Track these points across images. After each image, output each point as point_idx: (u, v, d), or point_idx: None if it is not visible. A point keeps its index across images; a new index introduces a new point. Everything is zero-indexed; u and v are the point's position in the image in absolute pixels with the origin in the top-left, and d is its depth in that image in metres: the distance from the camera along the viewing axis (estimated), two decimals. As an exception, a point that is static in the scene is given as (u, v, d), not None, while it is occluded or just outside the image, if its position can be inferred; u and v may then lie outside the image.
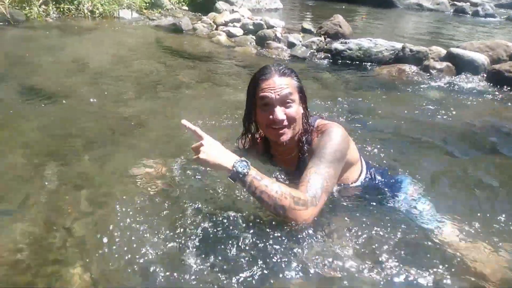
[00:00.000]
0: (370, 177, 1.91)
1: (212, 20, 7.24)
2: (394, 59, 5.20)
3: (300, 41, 5.91)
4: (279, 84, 1.62)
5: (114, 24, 7.22)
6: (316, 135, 1.70)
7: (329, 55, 5.52)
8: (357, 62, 5.34)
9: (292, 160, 1.81)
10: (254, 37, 6.33)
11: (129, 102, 3.33)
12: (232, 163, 1.42)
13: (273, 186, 1.43)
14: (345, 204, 1.75)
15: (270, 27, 6.52)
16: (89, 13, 7.40)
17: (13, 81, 3.64)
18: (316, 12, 10.48)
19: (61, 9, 7.12)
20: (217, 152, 1.45)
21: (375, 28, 8.54)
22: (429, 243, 1.56)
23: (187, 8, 9.31)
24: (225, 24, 6.88)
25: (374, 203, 1.78)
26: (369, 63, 5.28)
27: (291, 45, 5.85)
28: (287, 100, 1.62)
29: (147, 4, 8.37)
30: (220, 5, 7.92)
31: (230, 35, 6.47)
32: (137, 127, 2.79)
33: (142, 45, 5.81)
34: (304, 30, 6.48)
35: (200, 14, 8.64)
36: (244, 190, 1.47)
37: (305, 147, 1.72)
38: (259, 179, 1.44)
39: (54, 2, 7.00)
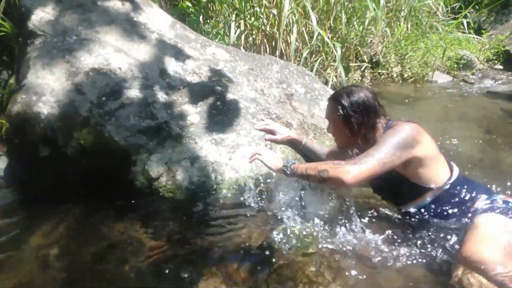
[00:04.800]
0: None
1: None
2: None
3: None
4: (326, 107, 2.16)
5: (430, 89, 6.68)
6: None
7: None
8: None
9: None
10: None
11: None
12: (282, 163, 2.02)
13: (312, 163, 1.89)
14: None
15: None
16: (399, 77, 7.20)
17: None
18: None
19: (374, 74, 7.21)
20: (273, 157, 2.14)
21: None
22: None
23: (501, 67, 7.91)
24: None
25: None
26: None
27: None
28: (328, 119, 2.16)
29: (459, 65, 7.51)
30: None
31: None
32: None
33: (497, 119, 4.86)
34: None
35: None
36: (295, 176, 1.94)
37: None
38: (300, 164, 1.93)
39: (369, 68, 7.15)
